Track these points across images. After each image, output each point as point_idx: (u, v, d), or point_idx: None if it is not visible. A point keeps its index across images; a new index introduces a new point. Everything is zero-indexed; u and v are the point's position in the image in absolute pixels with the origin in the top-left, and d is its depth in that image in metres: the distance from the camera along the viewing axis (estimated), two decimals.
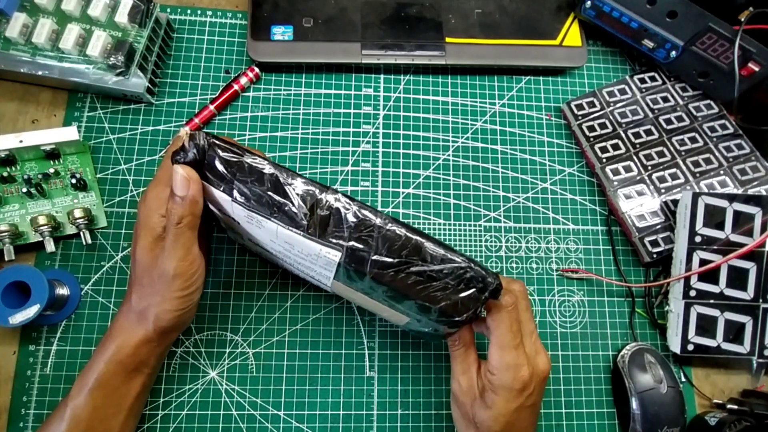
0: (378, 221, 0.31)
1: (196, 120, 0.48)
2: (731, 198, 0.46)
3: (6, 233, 0.41)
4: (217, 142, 0.32)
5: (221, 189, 0.32)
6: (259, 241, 0.36)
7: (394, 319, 0.39)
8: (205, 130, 0.33)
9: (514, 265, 0.49)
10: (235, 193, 0.32)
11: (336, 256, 0.32)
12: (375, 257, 0.31)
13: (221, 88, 0.50)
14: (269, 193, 0.31)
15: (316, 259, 0.33)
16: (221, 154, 0.31)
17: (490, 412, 0.34)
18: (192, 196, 0.32)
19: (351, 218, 0.31)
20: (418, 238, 0.31)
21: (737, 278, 0.46)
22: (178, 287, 0.34)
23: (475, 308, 0.32)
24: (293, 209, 0.31)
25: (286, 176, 0.31)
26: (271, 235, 0.34)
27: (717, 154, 0.51)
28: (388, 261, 0.31)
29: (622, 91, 0.53)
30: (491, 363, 0.34)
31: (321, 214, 0.31)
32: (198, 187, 0.32)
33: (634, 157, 0.51)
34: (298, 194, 0.31)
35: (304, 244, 0.32)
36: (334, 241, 0.31)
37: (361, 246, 0.31)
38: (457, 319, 0.32)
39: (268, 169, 0.31)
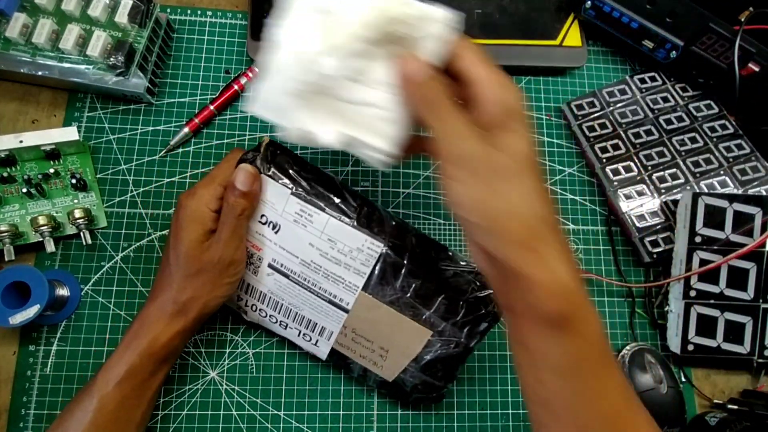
0: (411, 228, 0.39)
1: (196, 120, 0.48)
2: (731, 198, 0.46)
3: (6, 233, 0.41)
4: (286, 147, 0.38)
5: (283, 183, 0.37)
6: (287, 258, 0.38)
7: (398, 358, 0.39)
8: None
9: None
10: (297, 186, 0.37)
11: (379, 247, 0.36)
12: (414, 250, 0.37)
13: (221, 88, 0.50)
14: (326, 190, 0.37)
15: (356, 256, 0.37)
16: (291, 154, 0.38)
17: (516, 134, 0.27)
18: (255, 191, 0.36)
19: (390, 221, 0.38)
20: (441, 244, 0.38)
21: (737, 278, 0.46)
22: (230, 273, 0.37)
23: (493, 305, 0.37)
24: (345, 206, 0.37)
25: (339, 181, 0.38)
26: (314, 235, 0.37)
27: (717, 154, 0.51)
28: (423, 254, 0.37)
29: (622, 91, 0.53)
30: (488, 93, 0.27)
31: (366, 212, 0.37)
32: (259, 184, 0.36)
33: (634, 157, 0.51)
34: (349, 194, 0.37)
35: (351, 235, 0.36)
36: (378, 234, 0.37)
37: (399, 242, 0.37)
38: (483, 311, 0.37)
39: (327, 173, 0.38)
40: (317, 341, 0.41)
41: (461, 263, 0.38)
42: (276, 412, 0.44)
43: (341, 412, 0.44)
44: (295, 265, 0.38)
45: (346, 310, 0.38)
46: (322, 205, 0.36)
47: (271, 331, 0.45)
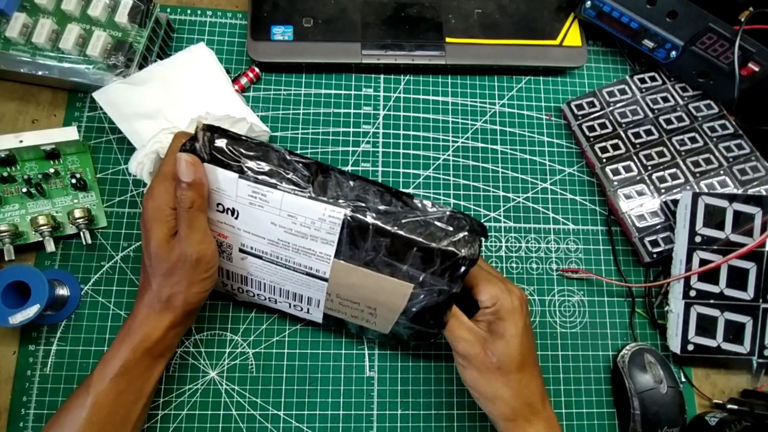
0: (371, 182, 0.36)
1: None
2: (731, 198, 0.46)
3: (6, 233, 0.41)
4: (224, 128, 0.36)
5: (228, 168, 0.34)
6: (255, 240, 0.37)
7: (387, 314, 0.39)
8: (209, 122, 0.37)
9: (514, 265, 0.49)
10: (243, 168, 0.34)
11: (340, 213, 0.35)
12: (377, 207, 0.35)
13: None
14: (275, 165, 0.35)
15: (320, 227, 0.35)
16: (229, 134, 0.35)
17: (504, 338, 0.36)
18: (198, 179, 0.34)
19: (348, 181, 0.36)
20: (406, 192, 0.37)
21: (737, 278, 0.46)
22: (202, 270, 0.36)
23: (472, 244, 0.35)
24: (297, 177, 0.35)
25: (287, 152, 0.36)
26: (273, 213, 0.35)
27: (717, 154, 0.51)
28: (388, 209, 0.35)
29: (622, 91, 0.53)
30: (485, 300, 0.37)
31: (321, 180, 0.35)
32: (202, 170, 0.34)
33: (634, 157, 0.51)
34: (300, 164, 0.35)
35: (309, 208, 0.35)
36: (337, 200, 0.35)
37: (361, 203, 0.35)
38: (460, 255, 0.35)
39: (272, 146, 0.36)
40: (308, 309, 0.42)
41: (429, 210, 0.36)
42: (276, 412, 0.44)
43: (341, 412, 0.44)
44: (264, 246, 0.38)
45: (325, 279, 0.38)
46: (274, 182, 0.35)
47: (270, 330, 0.45)
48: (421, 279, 0.36)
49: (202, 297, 0.38)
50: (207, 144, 0.35)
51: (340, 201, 0.35)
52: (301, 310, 0.42)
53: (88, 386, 0.35)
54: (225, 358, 0.44)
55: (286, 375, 0.45)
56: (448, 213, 0.36)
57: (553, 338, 0.48)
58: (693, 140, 0.51)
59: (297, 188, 0.35)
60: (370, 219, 0.35)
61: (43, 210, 0.44)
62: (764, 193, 0.49)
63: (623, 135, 0.51)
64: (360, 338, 0.46)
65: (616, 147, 0.51)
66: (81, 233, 0.43)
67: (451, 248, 0.35)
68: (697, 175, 0.50)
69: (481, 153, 0.52)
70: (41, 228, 0.42)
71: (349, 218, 0.35)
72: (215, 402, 0.43)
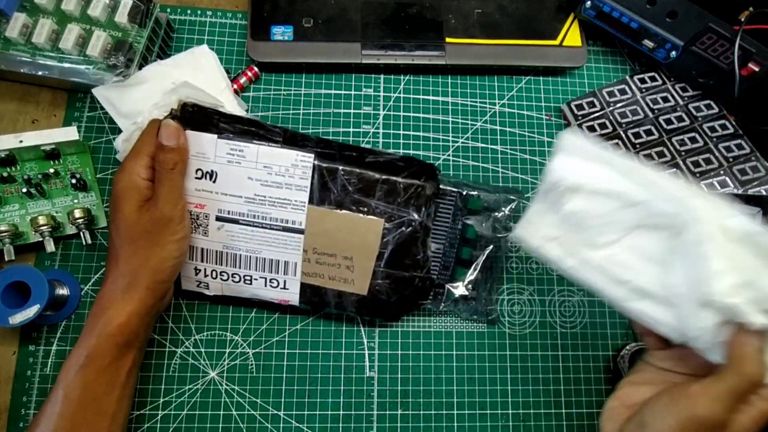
0: (335, 142, 0.42)
1: None
2: (731, 198, 0.46)
3: (6, 233, 0.41)
4: (200, 102, 0.40)
5: (208, 131, 0.39)
6: (232, 202, 0.40)
7: (364, 262, 0.41)
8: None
9: (514, 265, 0.49)
10: (221, 130, 0.39)
11: (310, 157, 0.40)
12: (342, 153, 0.41)
13: None
14: (249, 126, 0.40)
15: (294, 173, 0.40)
16: (207, 105, 0.40)
17: None
18: (182, 144, 0.37)
19: (314, 138, 0.41)
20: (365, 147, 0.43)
21: None
22: (172, 231, 0.37)
23: (428, 176, 0.42)
24: (270, 135, 0.40)
25: (258, 120, 0.41)
26: (250, 167, 0.40)
27: (717, 154, 0.51)
28: (351, 153, 0.41)
29: (622, 91, 0.53)
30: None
31: (290, 136, 0.41)
32: (185, 137, 0.38)
33: (634, 158, 0.51)
34: (271, 125, 0.40)
35: (282, 155, 0.40)
36: (306, 147, 0.40)
37: (327, 150, 0.41)
38: (418, 183, 0.42)
39: (244, 115, 0.41)
40: (285, 282, 0.42)
41: (386, 154, 0.42)
42: (276, 412, 0.44)
43: (341, 412, 0.44)
44: (241, 206, 0.40)
45: (301, 231, 0.41)
46: (249, 137, 0.39)
47: (270, 330, 0.45)
48: (390, 212, 0.41)
49: (169, 267, 0.37)
50: (188, 115, 0.39)
51: (309, 148, 0.40)
52: (277, 285, 0.42)
53: (58, 381, 0.35)
54: (225, 358, 0.44)
55: (286, 375, 0.45)
56: (401, 154, 0.42)
57: (553, 338, 0.48)
58: (693, 140, 0.51)
59: (271, 141, 0.40)
60: (337, 161, 0.40)
61: (43, 210, 0.44)
62: (764, 193, 0.49)
63: (623, 135, 0.51)
64: (360, 338, 0.46)
65: (616, 147, 0.51)
66: (81, 233, 0.43)
67: (409, 179, 0.42)
68: (697, 175, 0.50)
69: (481, 153, 0.52)
70: (41, 228, 0.42)
71: (319, 162, 0.40)
72: (215, 402, 0.43)
